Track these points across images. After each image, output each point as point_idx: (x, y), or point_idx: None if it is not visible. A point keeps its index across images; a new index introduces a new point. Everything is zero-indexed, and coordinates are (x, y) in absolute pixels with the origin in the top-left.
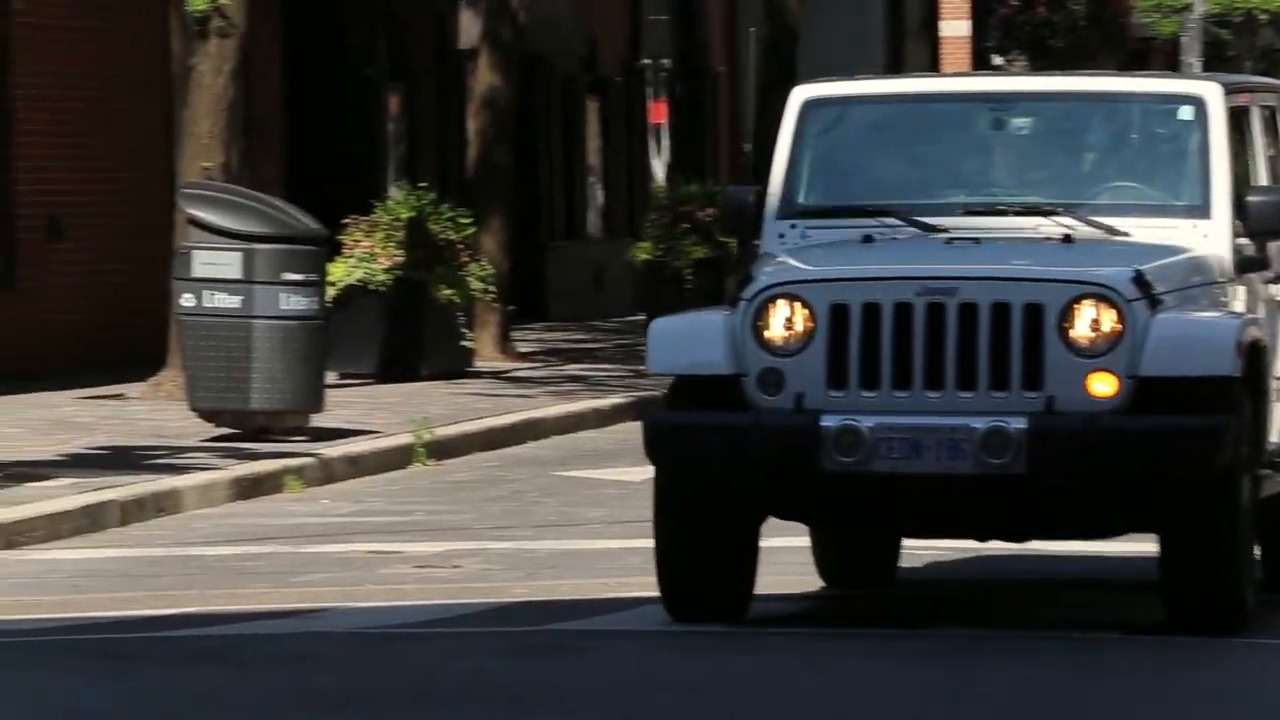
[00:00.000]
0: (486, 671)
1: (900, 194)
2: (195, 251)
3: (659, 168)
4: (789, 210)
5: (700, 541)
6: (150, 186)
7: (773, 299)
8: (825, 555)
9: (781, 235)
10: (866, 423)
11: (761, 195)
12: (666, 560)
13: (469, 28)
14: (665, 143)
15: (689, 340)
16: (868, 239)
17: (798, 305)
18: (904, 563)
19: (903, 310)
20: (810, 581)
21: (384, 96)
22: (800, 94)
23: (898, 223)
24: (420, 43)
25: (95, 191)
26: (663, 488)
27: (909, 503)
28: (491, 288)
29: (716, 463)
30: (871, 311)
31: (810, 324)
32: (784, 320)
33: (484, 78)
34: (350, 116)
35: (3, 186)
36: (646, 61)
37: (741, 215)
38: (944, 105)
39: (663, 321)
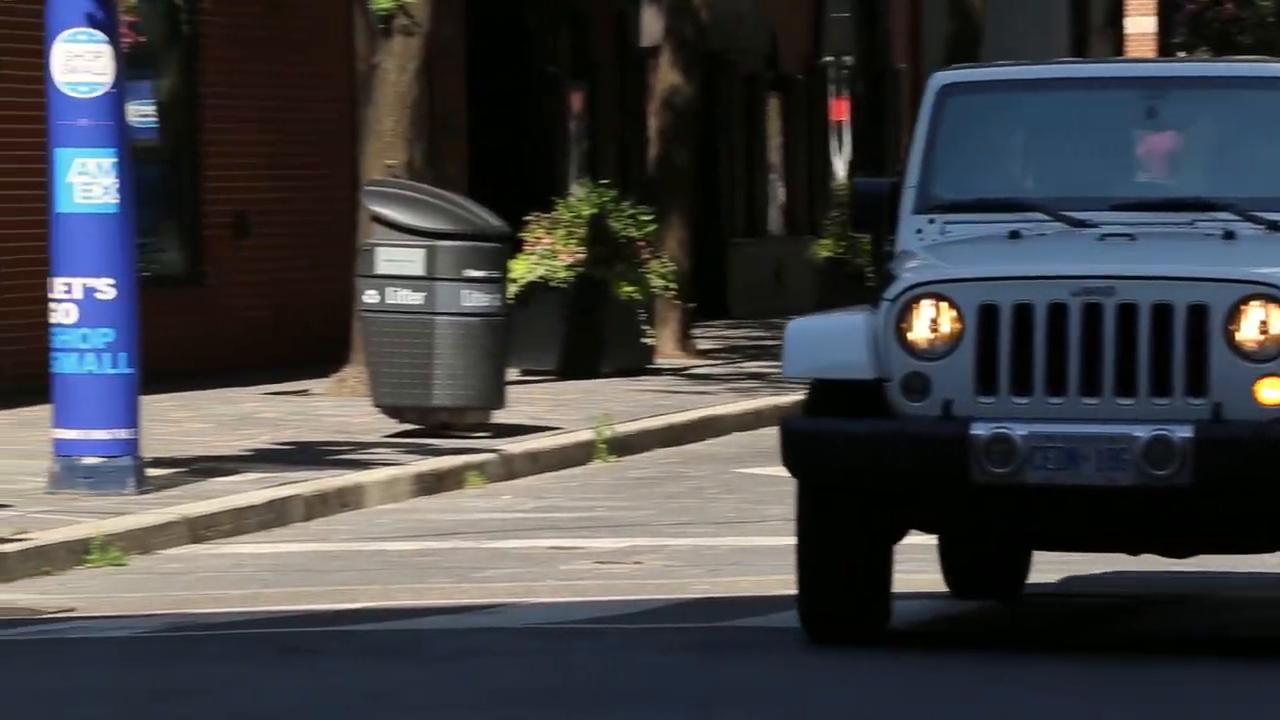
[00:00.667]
0: (666, 669)
1: (1045, 187)
2: (379, 248)
3: (840, 165)
4: (926, 204)
5: (839, 557)
6: (335, 184)
7: (917, 299)
8: (953, 564)
9: (919, 231)
10: (1019, 431)
11: (896, 188)
12: (805, 576)
13: (651, 25)
14: (846, 140)
15: (829, 342)
16: (1014, 235)
17: (944, 306)
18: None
19: (1057, 311)
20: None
21: (566, 94)
22: (938, 80)
23: (1044, 217)
24: (602, 41)
25: (281, 189)
26: (801, 499)
27: (1065, 516)
28: (672, 285)
29: (857, 473)
30: (1023, 313)
31: (958, 326)
32: (929, 322)
33: (665, 75)
34: (533, 114)
35: (190, 184)
36: (828, 59)
37: (874, 209)
38: (1092, 92)
39: (801, 322)
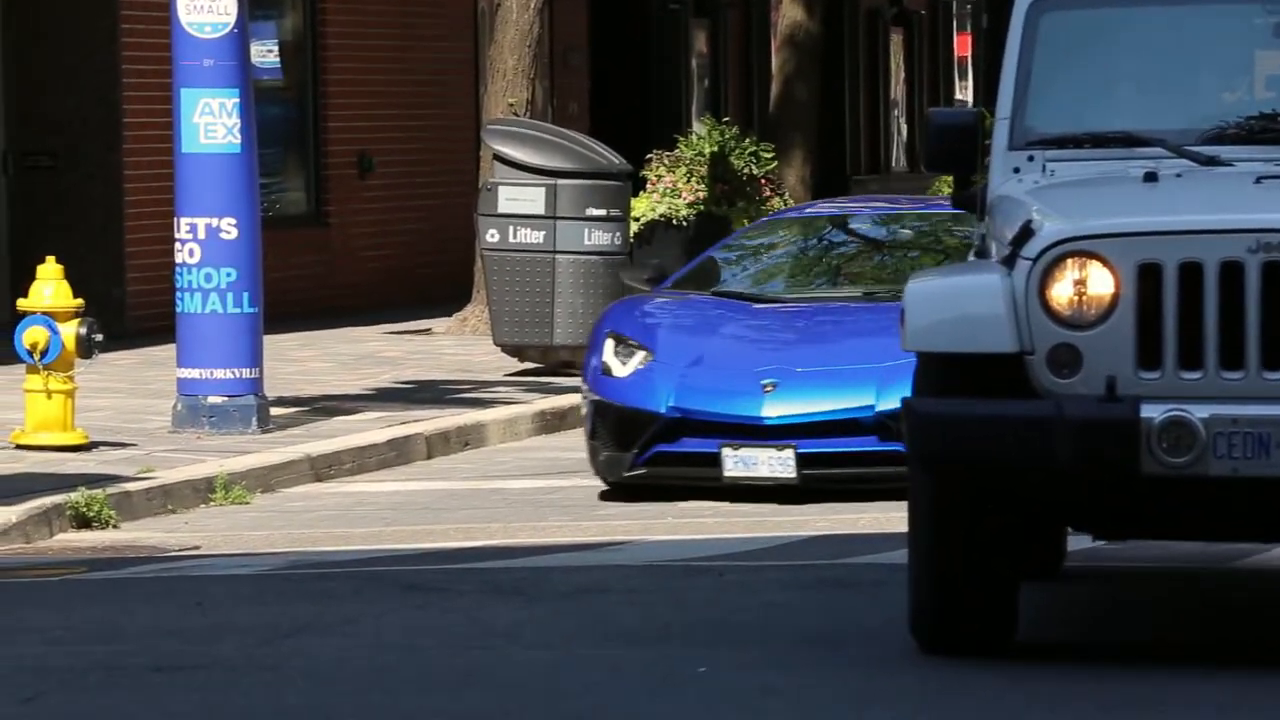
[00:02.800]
0: (785, 606)
1: (1156, 117)
2: (500, 187)
3: (969, 100)
4: (1023, 139)
5: (971, 558)
6: (456, 124)
7: (1063, 257)
8: None
9: (1017, 170)
10: (1199, 414)
11: (981, 119)
12: (924, 577)
13: None
14: (970, 76)
15: (961, 308)
16: (1150, 177)
17: (1096, 265)
18: None
19: (1231, 270)
20: None
21: (689, 31)
22: None
23: (1164, 153)
24: None
25: (403, 129)
26: (923, 490)
27: (1255, 512)
28: None
29: (1002, 463)
30: (1191, 272)
31: (1115, 289)
32: (1078, 284)
33: (788, 12)
34: (655, 52)
35: (314, 124)
36: None
37: (957, 144)
38: (1209, 6)
39: (926, 284)
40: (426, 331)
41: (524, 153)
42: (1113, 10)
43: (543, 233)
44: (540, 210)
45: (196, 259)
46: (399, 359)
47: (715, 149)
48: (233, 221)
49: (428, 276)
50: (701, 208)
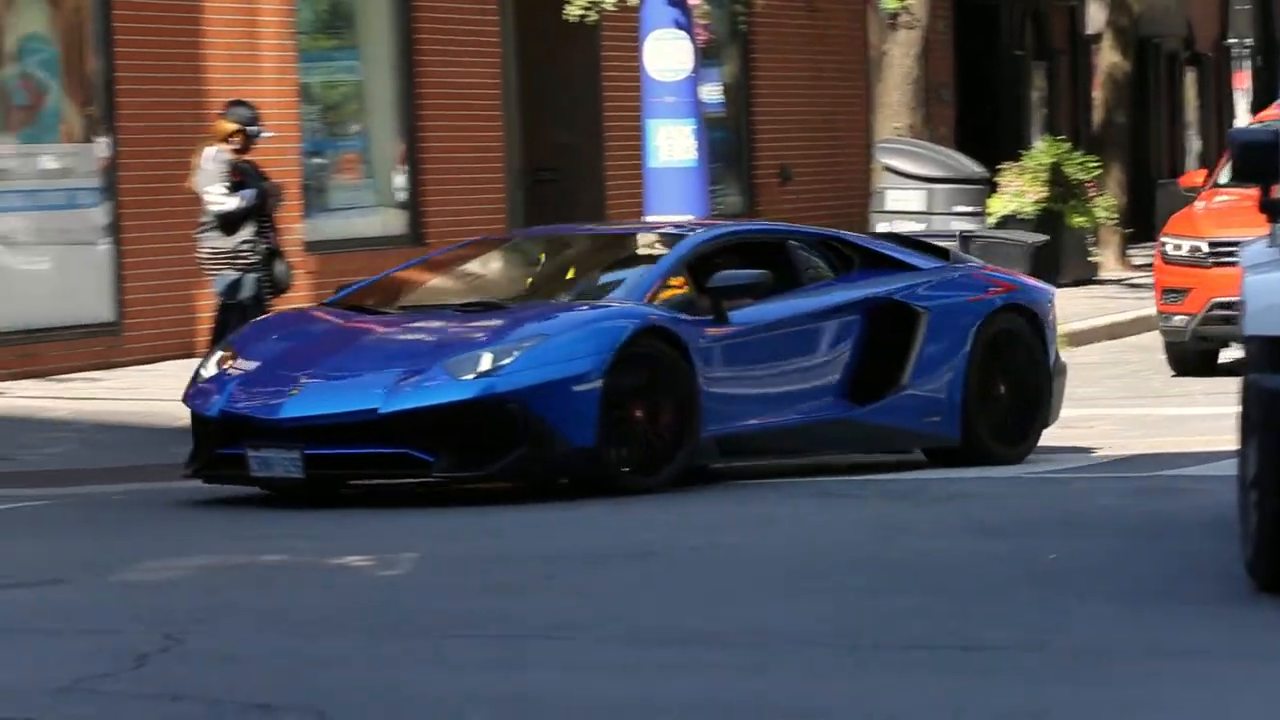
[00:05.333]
0: (1115, 506)
1: None
2: (888, 191)
3: (1245, 121)
4: None
5: None
6: (852, 143)
7: None
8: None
9: None
10: None
11: (1277, 136)
12: (1266, 524)
13: (1095, 17)
14: (1247, 103)
15: None
16: None
17: None
18: None
19: None
20: None
21: (1029, 72)
22: None
23: None
24: (1058, 30)
25: (814, 147)
26: (1268, 452)
27: None
28: (1113, 215)
29: None
30: None
31: None
32: None
33: (1106, 56)
34: (1004, 87)
35: (746, 145)
36: (1232, 40)
37: (1259, 158)
38: None
39: (1261, 278)
40: None
41: (906, 164)
42: None
43: (922, 225)
44: (920, 208)
45: None
46: None
47: (1052, 160)
48: (690, 219)
49: None
50: (1042, 205)
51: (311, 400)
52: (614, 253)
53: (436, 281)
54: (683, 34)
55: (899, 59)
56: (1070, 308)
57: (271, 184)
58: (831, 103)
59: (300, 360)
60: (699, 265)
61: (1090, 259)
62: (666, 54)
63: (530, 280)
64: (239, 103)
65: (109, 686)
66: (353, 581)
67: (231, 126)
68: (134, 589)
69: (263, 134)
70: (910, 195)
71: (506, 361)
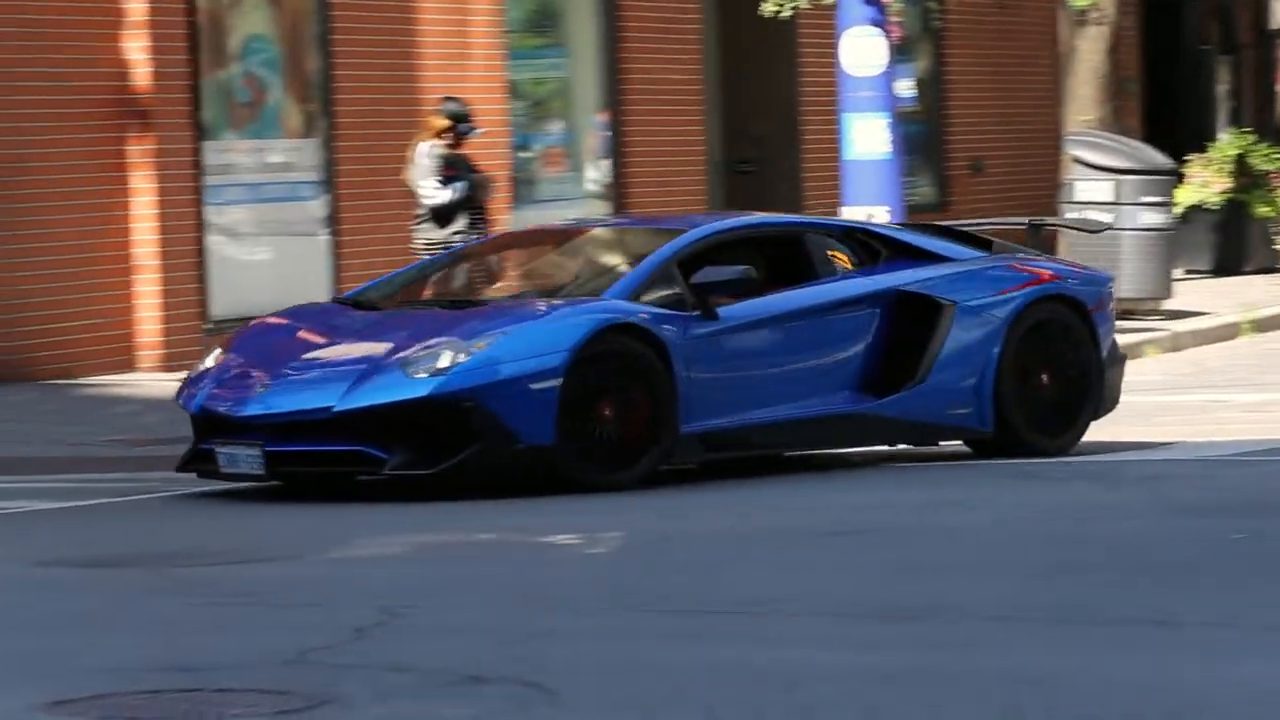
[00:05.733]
0: None
1: None
2: (1076, 183)
3: None
4: None
5: None
6: (1041, 136)
7: None
8: None
9: None
10: None
11: None
12: None
13: (1279, 11)
14: None
15: None
16: None
17: None
18: None
19: None
20: None
21: (1215, 66)
22: None
23: None
24: (1243, 24)
25: (1004, 140)
26: None
27: None
28: None
29: None
30: None
31: None
32: None
33: None
34: (1190, 81)
35: (939, 138)
36: None
37: None
38: None
39: None
40: None
41: (1095, 156)
42: None
43: (1110, 215)
44: (1108, 198)
45: None
46: None
47: (1237, 152)
48: (886, 209)
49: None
50: (1227, 195)
51: (273, 398)
52: (629, 247)
53: (443, 276)
54: (877, 30)
55: (1087, 54)
56: (1254, 295)
57: (482, 176)
58: (1021, 96)
59: (276, 358)
60: (711, 260)
61: (1274, 248)
62: (862, 50)
63: (533, 276)
64: (452, 99)
65: (332, 658)
66: (561, 558)
67: (444, 122)
68: (353, 564)
69: (474, 132)
70: (1098, 186)
71: (462, 359)
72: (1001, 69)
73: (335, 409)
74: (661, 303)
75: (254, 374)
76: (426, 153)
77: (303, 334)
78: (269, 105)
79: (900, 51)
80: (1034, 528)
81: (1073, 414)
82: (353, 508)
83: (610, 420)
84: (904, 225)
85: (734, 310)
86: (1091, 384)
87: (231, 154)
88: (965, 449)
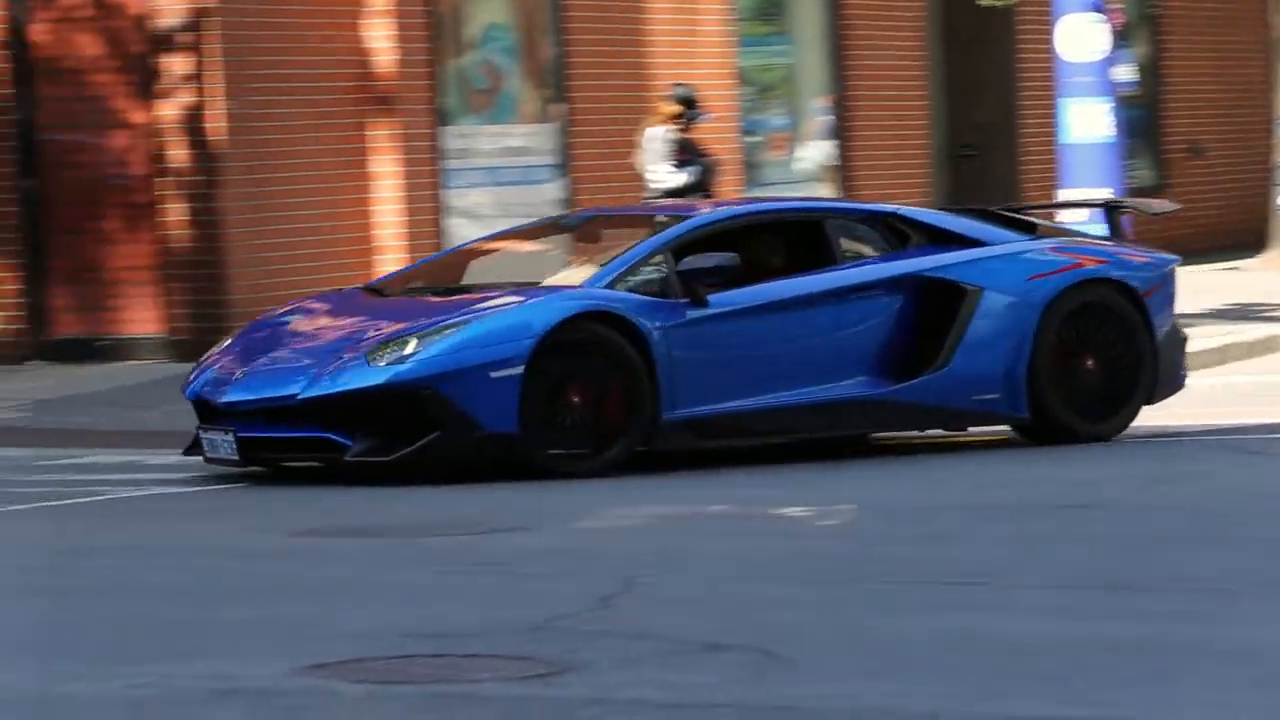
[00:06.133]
0: None
1: None
2: None
3: None
4: None
5: None
6: (1255, 121)
7: None
8: None
9: None
10: None
11: None
12: None
13: None
14: None
15: None
16: None
17: None
18: None
19: None
20: None
21: None
22: None
23: None
24: None
25: (1219, 124)
26: None
27: None
28: None
29: None
30: None
31: None
32: None
33: None
34: None
35: (1157, 122)
36: None
37: None
38: None
39: None
40: (1237, 269)
41: None
42: None
43: None
44: None
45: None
46: (1221, 288)
47: None
48: (1107, 192)
49: (1234, 229)
50: None
51: (249, 385)
52: (641, 235)
53: (456, 263)
54: (1097, 16)
55: None
56: None
57: (710, 160)
58: (1236, 81)
59: (263, 345)
60: (727, 248)
61: None
62: (1081, 36)
63: (537, 264)
64: (682, 85)
65: (575, 626)
66: (795, 530)
67: (676, 107)
68: (591, 535)
69: (704, 117)
70: None
71: (423, 348)
72: (1217, 54)
73: (299, 396)
74: (648, 290)
75: (241, 360)
76: (660, 137)
77: (297, 322)
78: (506, 91)
79: (1120, 37)
80: (1260, 504)
81: (1122, 399)
82: (590, 483)
83: (581, 407)
84: (943, 209)
85: (726, 297)
86: (1143, 369)
87: (470, 139)
88: (1190, 425)
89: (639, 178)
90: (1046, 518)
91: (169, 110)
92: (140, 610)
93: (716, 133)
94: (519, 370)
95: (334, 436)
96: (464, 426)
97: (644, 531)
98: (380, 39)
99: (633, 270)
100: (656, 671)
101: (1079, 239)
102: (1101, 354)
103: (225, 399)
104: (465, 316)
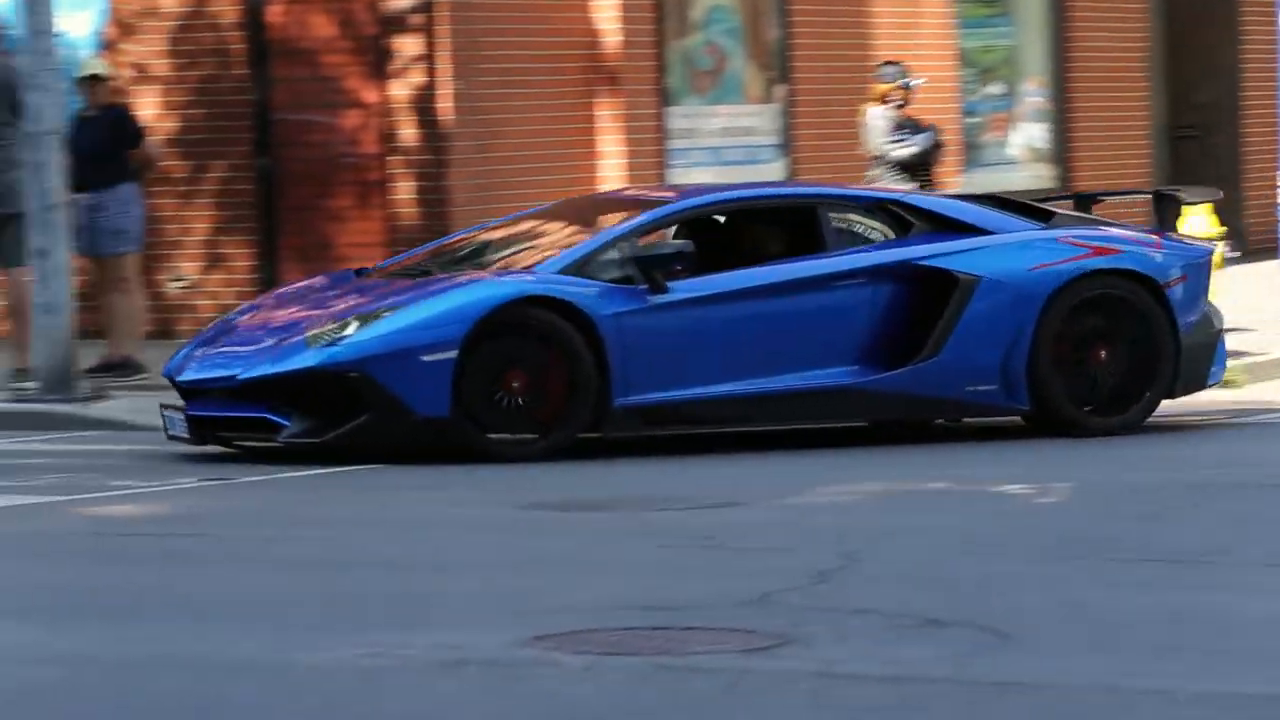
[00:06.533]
0: None
1: None
2: None
3: None
4: None
5: None
6: None
7: None
8: None
9: None
10: None
11: None
12: None
13: None
14: None
15: None
16: None
17: None
18: None
19: None
20: None
21: None
22: None
23: None
24: None
25: None
26: None
27: None
28: None
29: None
30: None
31: None
32: None
33: None
34: None
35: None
36: None
37: None
38: None
39: None
40: None
41: None
42: None
43: None
44: None
45: None
46: None
47: None
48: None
49: None
50: None
51: (200, 366)
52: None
53: (459, 247)
54: None
55: None
56: None
57: (934, 131)
58: None
59: (233, 327)
60: (713, 234)
61: None
62: None
63: (519, 247)
64: (887, 63)
65: (794, 600)
66: (1014, 507)
67: (886, 86)
68: (810, 511)
69: (914, 83)
70: None
71: (361, 330)
72: None
73: (239, 377)
74: (611, 277)
75: (210, 342)
76: (881, 115)
77: (275, 303)
78: (729, 72)
79: None
80: None
81: (1136, 392)
82: (806, 456)
83: (520, 392)
84: (950, 196)
85: (689, 285)
86: (1161, 361)
87: (694, 119)
88: None
89: (863, 158)
90: (1267, 497)
91: (399, 90)
92: (371, 581)
93: (939, 114)
94: (452, 354)
95: (272, 416)
96: (395, 410)
97: (860, 507)
98: (606, 20)
99: (593, 256)
100: (876, 646)
101: (1101, 228)
102: (1115, 346)
103: (181, 378)
104: (404, 300)
